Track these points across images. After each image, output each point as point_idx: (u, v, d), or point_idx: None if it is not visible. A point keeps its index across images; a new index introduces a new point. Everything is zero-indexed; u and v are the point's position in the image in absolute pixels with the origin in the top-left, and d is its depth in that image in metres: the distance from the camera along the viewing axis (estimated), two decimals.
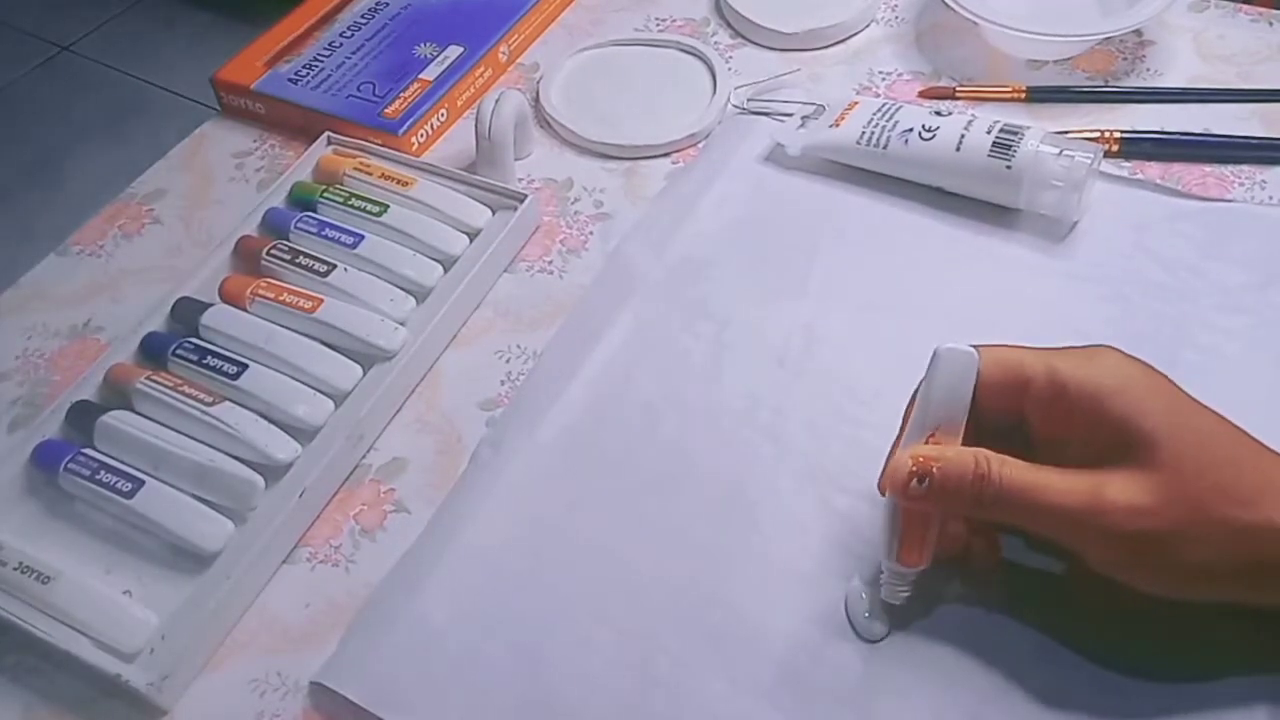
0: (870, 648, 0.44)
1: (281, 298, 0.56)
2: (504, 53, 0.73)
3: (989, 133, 0.58)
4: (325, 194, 0.62)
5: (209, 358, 0.54)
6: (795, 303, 0.57)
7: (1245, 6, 0.70)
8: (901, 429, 0.44)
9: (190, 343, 0.55)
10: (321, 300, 0.56)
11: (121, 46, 2.18)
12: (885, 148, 0.60)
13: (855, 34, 0.72)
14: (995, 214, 0.59)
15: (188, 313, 0.57)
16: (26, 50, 2.19)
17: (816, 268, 0.58)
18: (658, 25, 0.74)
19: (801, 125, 0.64)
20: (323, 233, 0.60)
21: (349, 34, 0.73)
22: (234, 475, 0.50)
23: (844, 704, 0.43)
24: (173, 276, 0.61)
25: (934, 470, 0.40)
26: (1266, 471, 0.39)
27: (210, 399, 0.52)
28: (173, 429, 0.52)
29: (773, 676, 0.44)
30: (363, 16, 0.75)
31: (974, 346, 0.42)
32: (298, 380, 0.54)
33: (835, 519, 0.48)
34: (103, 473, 0.50)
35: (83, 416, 0.53)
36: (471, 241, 0.60)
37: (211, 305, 0.57)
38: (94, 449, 0.52)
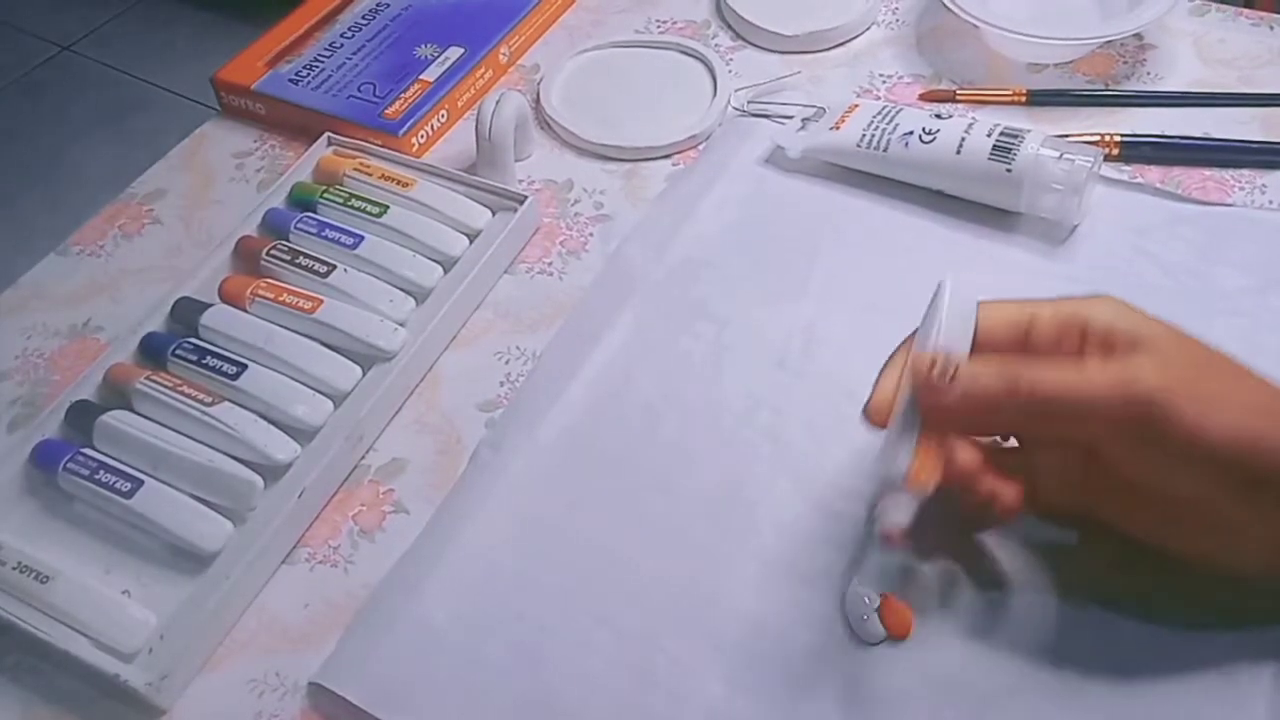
0: (868, 649, 0.44)
1: (281, 298, 0.56)
2: (505, 54, 0.73)
3: (989, 136, 0.58)
4: (325, 194, 0.62)
5: (208, 358, 0.54)
6: (795, 304, 0.57)
7: (1246, 10, 0.70)
8: (888, 361, 0.44)
9: (190, 343, 0.55)
10: (321, 301, 0.56)
11: (121, 46, 2.19)
12: (885, 150, 0.60)
13: (856, 37, 0.72)
14: (995, 217, 0.59)
15: (187, 313, 0.57)
16: (26, 50, 2.19)
17: (816, 270, 0.58)
18: (658, 27, 0.75)
19: (802, 128, 0.65)
20: (323, 233, 0.60)
21: (350, 35, 0.73)
22: (233, 475, 0.50)
23: (842, 705, 0.43)
24: (172, 276, 0.61)
25: (957, 368, 0.40)
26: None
27: (210, 399, 0.52)
28: (172, 429, 0.52)
29: (771, 677, 0.44)
30: (363, 17, 0.75)
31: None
32: (297, 381, 0.54)
33: (834, 520, 0.48)
34: (102, 472, 0.50)
35: (82, 416, 0.53)
36: (471, 243, 0.60)
37: (211, 305, 0.57)
38: (93, 449, 0.52)
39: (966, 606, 0.45)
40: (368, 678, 0.45)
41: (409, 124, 0.67)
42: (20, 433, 0.54)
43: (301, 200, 0.63)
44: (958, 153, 0.58)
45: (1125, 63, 0.68)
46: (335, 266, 0.58)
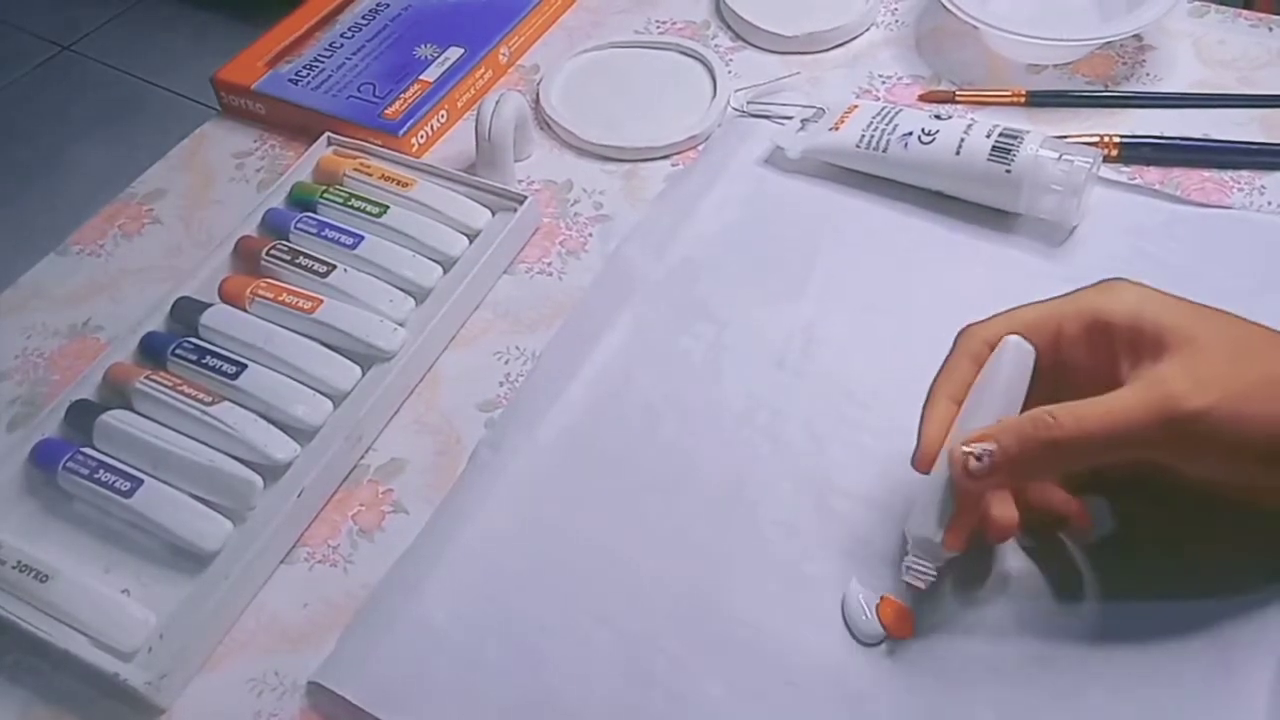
0: (867, 649, 0.44)
1: (281, 298, 0.56)
2: (504, 54, 0.73)
3: (988, 137, 0.58)
4: (325, 194, 0.62)
5: (208, 357, 0.54)
6: (794, 305, 0.57)
7: (1245, 12, 0.70)
8: (930, 399, 0.44)
9: (190, 342, 0.55)
10: (321, 301, 0.56)
11: (121, 46, 2.19)
12: (885, 151, 0.60)
13: (855, 37, 0.72)
14: (994, 218, 0.59)
15: (187, 312, 0.57)
16: (26, 50, 2.19)
17: (816, 270, 0.58)
18: (658, 28, 0.75)
19: (801, 128, 0.65)
20: (322, 233, 0.60)
21: (349, 35, 0.73)
22: (233, 475, 0.50)
23: (842, 705, 0.43)
24: (172, 276, 0.61)
25: (992, 450, 0.40)
26: None
27: (209, 399, 0.52)
28: (172, 428, 0.52)
29: (770, 678, 0.44)
30: (363, 17, 0.75)
31: (999, 315, 0.44)
32: (297, 380, 0.54)
33: (834, 520, 0.48)
34: (101, 472, 0.50)
35: (82, 416, 0.53)
36: (471, 243, 0.60)
37: (211, 305, 0.57)
38: (93, 448, 0.52)
39: (967, 606, 0.45)
40: (367, 677, 0.45)
41: (409, 124, 0.67)
42: (20, 432, 0.54)
43: (301, 200, 0.63)
44: (957, 154, 0.58)
45: (1124, 64, 0.68)
46: (335, 266, 0.58)
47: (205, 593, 0.47)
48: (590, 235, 0.62)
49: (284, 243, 0.60)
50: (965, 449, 0.41)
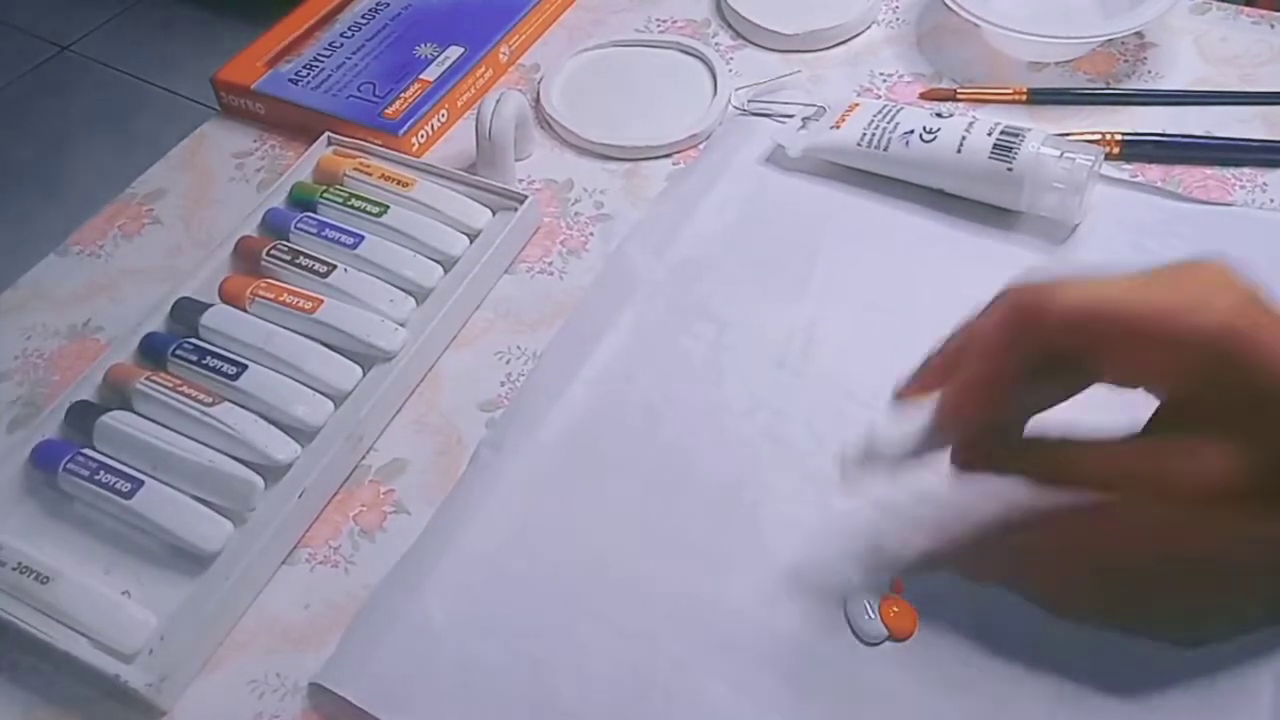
0: (869, 649, 0.44)
1: (281, 298, 0.56)
2: (505, 53, 0.73)
3: (990, 135, 0.58)
4: (325, 194, 0.62)
5: (208, 358, 0.54)
6: (796, 304, 0.57)
7: (1247, 9, 0.70)
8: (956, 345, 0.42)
9: (190, 343, 0.55)
10: (321, 301, 0.56)
11: (121, 46, 2.19)
12: (886, 149, 0.60)
13: (856, 35, 0.72)
14: (996, 216, 0.59)
15: (187, 313, 0.57)
16: (26, 50, 2.19)
17: (817, 269, 0.58)
18: (658, 26, 0.74)
19: (802, 127, 0.64)
20: (323, 233, 0.60)
21: (349, 34, 0.73)
22: (233, 476, 0.50)
23: (843, 706, 0.43)
24: (172, 277, 0.61)
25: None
26: None
27: (210, 399, 0.52)
28: (172, 429, 0.52)
29: (772, 678, 0.44)
30: (363, 17, 0.75)
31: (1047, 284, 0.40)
32: (297, 381, 0.54)
33: (835, 520, 0.48)
34: (102, 473, 0.50)
35: (82, 417, 0.53)
36: (472, 242, 0.60)
37: (211, 305, 0.57)
38: (93, 449, 0.51)
39: (969, 607, 0.45)
40: (368, 678, 0.45)
41: (409, 124, 0.67)
42: (20, 433, 0.54)
43: (301, 200, 0.63)
44: (958, 151, 0.58)
45: (1126, 61, 0.68)
46: (335, 266, 0.58)
47: (206, 594, 0.47)
48: (591, 234, 0.62)
49: (284, 243, 0.60)
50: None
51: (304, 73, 0.71)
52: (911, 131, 0.59)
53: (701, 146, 0.66)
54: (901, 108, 0.61)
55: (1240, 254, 0.56)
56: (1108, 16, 0.67)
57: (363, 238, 0.59)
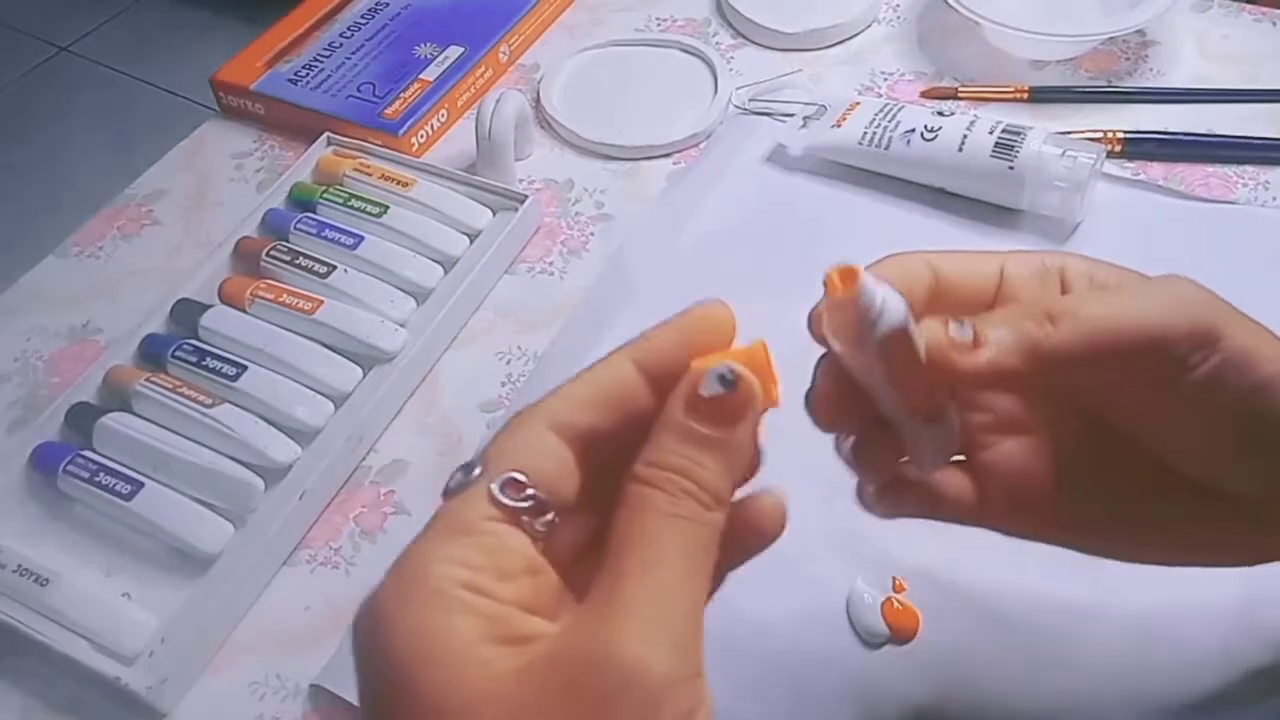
0: (871, 650, 0.44)
1: (281, 299, 0.56)
2: (504, 53, 0.73)
3: (991, 133, 0.58)
4: (325, 195, 0.62)
5: (208, 359, 0.54)
6: (797, 302, 0.56)
7: (1249, 6, 0.70)
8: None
9: (190, 344, 0.55)
10: (321, 301, 0.56)
11: (121, 46, 2.18)
12: (887, 148, 0.60)
13: (857, 34, 0.72)
14: (998, 215, 0.59)
15: (187, 314, 0.57)
16: (26, 50, 2.19)
17: (818, 268, 0.57)
18: (659, 25, 0.74)
19: (803, 125, 0.64)
20: (322, 234, 0.59)
21: (349, 34, 0.73)
22: (233, 477, 0.50)
23: (844, 706, 0.43)
24: (172, 278, 0.61)
25: (977, 320, 0.32)
26: None
27: (210, 401, 0.52)
28: (172, 431, 0.52)
29: (774, 677, 0.44)
30: (363, 17, 0.74)
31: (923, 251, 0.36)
32: (297, 382, 0.53)
33: (836, 520, 0.48)
34: (102, 475, 0.50)
35: (82, 418, 0.53)
36: (472, 242, 0.60)
37: (211, 307, 0.57)
38: (93, 451, 0.51)
39: (972, 607, 0.45)
40: None
41: (409, 124, 0.66)
42: (20, 435, 0.54)
43: (301, 200, 0.63)
44: (960, 150, 0.58)
45: (1128, 59, 0.68)
46: (335, 267, 0.58)
47: (206, 596, 0.47)
48: (592, 234, 0.62)
49: (284, 243, 0.60)
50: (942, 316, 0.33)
51: (303, 73, 0.70)
52: (913, 130, 0.59)
53: (702, 146, 0.66)
54: (903, 106, 0.61)
55: (1242, 252, 0.56)
56: (1109, 14, 0.67)
57: (363, 238, 0.59)
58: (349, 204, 0.61)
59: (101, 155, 1.84)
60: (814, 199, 0.61)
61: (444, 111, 0.69)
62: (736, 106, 0.67)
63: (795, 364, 0.54)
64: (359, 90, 0.69)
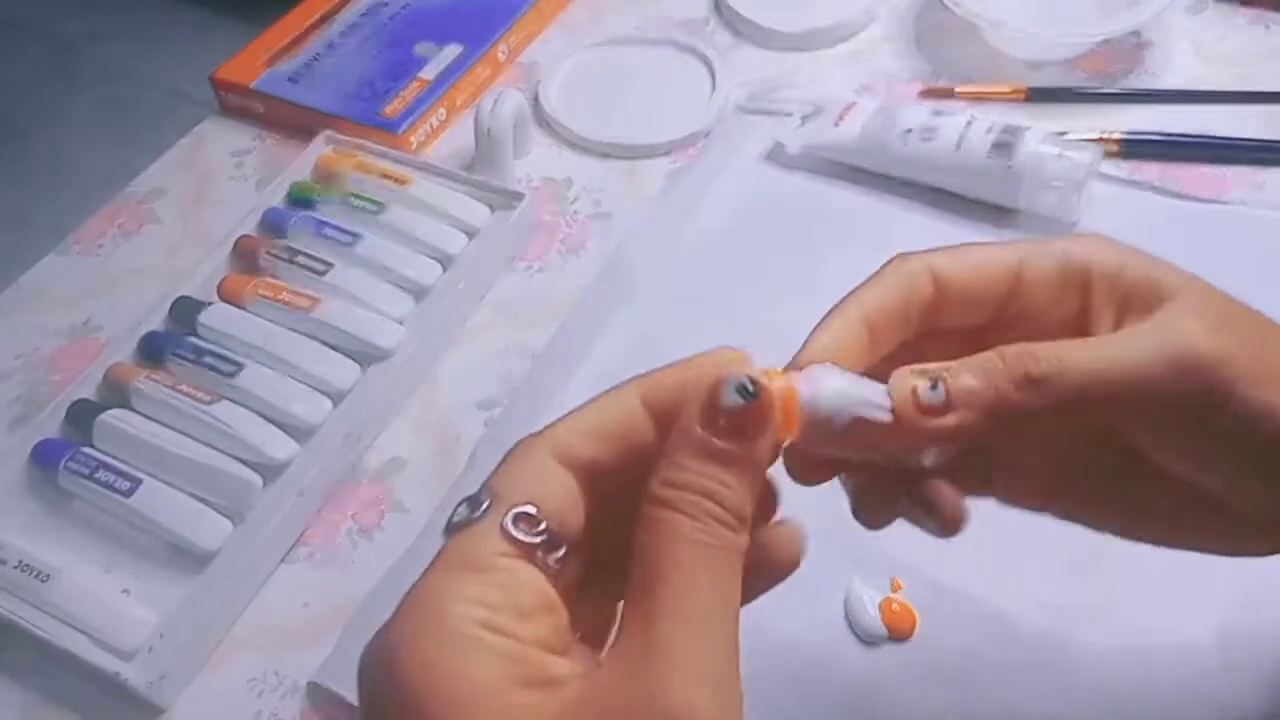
0: (870, 649, 0.44)
1: (280, 297, 0.56)
2: (503, 52, 0.73)
3: (988, 133, 0.58)
4: (324, 193, 0.62)
5: (207, 357, 0.54)
6: (795, 301, 0.56)
7: (1244, 8, 0.70)
8: (838, 311, 0.34)
9: (189, 342, 0.55)
10: (320, 299, 0.56)
11: (121, 46, 2.18)
12: (885, 147, 0.60)
13: (855, 34, 0.72)
14: (995, 214, 0.59)
15: (186, 312, 0.57)
16: (26, 50, 2.18)
17: (817, 267, 0.58)
18: (657, 24, 0.74)
19: (801, 125, 0.64)
20: (321, 232, 0.60)
21: (348, 33, 0.73)
22: (232, 474, 0.50)
23: (844, 705, 0.43)
24: (171, 276, 0.61)
25: (949, 377, 0.30)
26: None
27: (208, 398, 0.52)
28: (171, 428, 0.52)
29: (773, 678, 0.44)
30: (362, 15, 0.75)
31: (945, 248, 0.34)
32: (296, 379, 0.54)
33: (836, 519, 0.48)
34: (102, 471, 0.50)
35: (82, 415, 0.53)
36: (470, 240, 0.60)
37: (210, 304, 0.57)
38: (93, 448, 0.51)
39: (970, 606, 0.45)
40: None
41: (408, 122, 0.67)
42: (20, 432, 0.54)
43: (300, 199, 0.63)
44: (957, 150, 0.58)
45: (1124, 60, 0.68)
46: (334, 265, 0.58)
47: (205, 592, 0.47)
48: (590, 233, 0.62)
49: (283, 241, 0.60)
50: (916, 368, 0.30)
51: (303, 71, 0.71)
52: (910, 130, 0.59)
53: (700, 145, 0.66)
54: (900, 106, 0.61)
55: (1237, 252, 0.56)
56: (1106, 15, 0.67)
57: (361, 236, 0.59)
58: (348, 202, 0.61)
59: (101, 153, 1.84)
60: (812, 198, 0.62)
61: (443, 110, 0.69)
62: (735, 105, 0.67)
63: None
64: (358, 89, 0.69)
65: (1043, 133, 0.57)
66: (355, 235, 0.59)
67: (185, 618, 0.47)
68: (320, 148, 0.65)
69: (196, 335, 0.56)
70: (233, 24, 1.99)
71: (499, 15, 0.73)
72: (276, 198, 0.63)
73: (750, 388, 0.27)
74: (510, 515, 0.27)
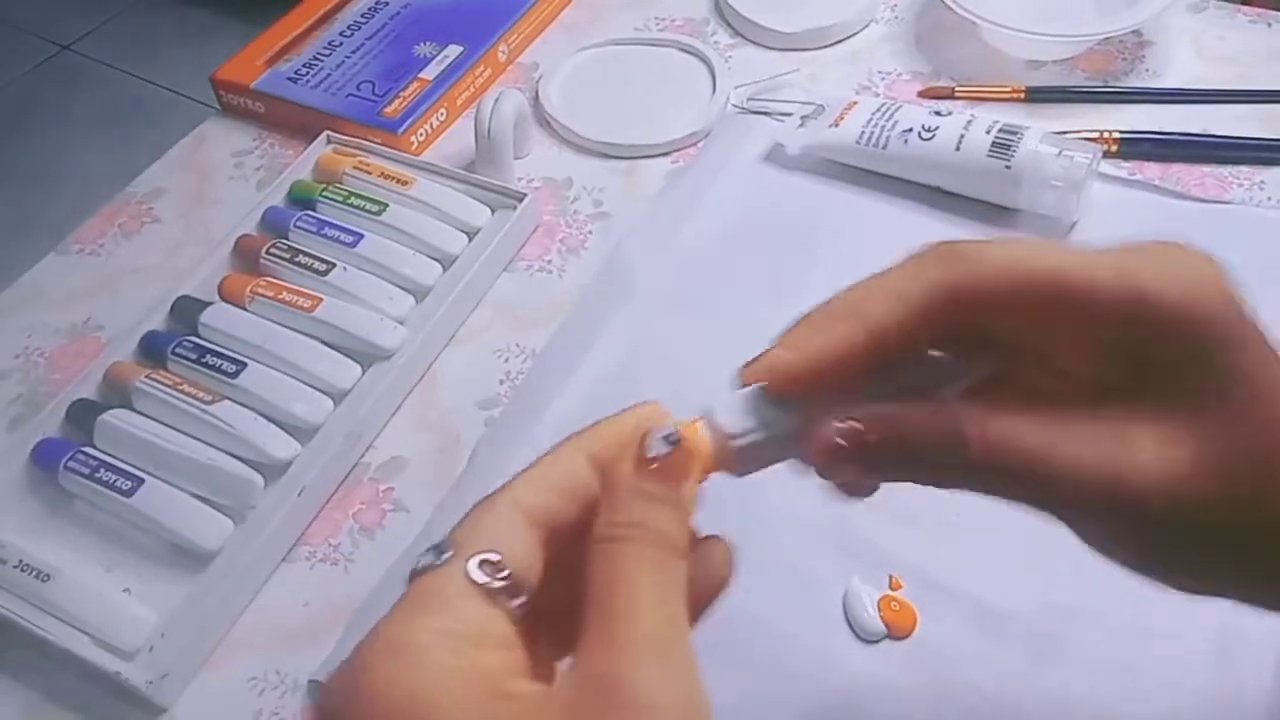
0: (868, 647, 0.44)
1: (281, 296, 0.56)
2: (503, 52, 0.73)
3: (988, 133, 0.58)
4: (324, 193, 0.62)
5: (208, 356, 0.54)
6: (795, 301, 0.56)
7: (1244, 7, 0.70)
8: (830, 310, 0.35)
9: (189, 341, 0.55)
10: (321, 299, 0.56)
11: (121, 46, 2.19)
12: (885, 147, 0.60)
13: (855, 34, 0.72)
14: (994, 214, 0.59)
15: (187, 311, 0.57)
16: (26, 50, 2.19)
17: (816, 267, 0.58)
18: (657, 25, 0.75)
19: (801, 125, 0.65)
20: (322, 232, 0.60)
21: (349, 33, 0.73)
22: (233, 474, 0.50)
23: (843, 703, 0.43)
24: (172, 275, 0.61)
25: (883, 428, 0.30)
26: None
27: (209, 397, 0.52)
28: (172, 427, 0.52)
29: (771, 675, 0.44)
30: (362, 15, 0.75)
31: (996, 244, 0.32)
32: (297, 379, 0.54)
33: (835, 518, 0.48)
34: (102, 471, 0.50)
35: (82, 415, 0.53)
36: (471, 240, 0.60)
37: (211, 304, 0.57)
38: (94, 447, 0.52)
39: (969, 604, 0.45)
40: None
41: (408, 122, 0.67)
42: (21, 432, 0.54)
43: (301, 199, 0.63)
44: (957, 149, 0.58)
45: (1124, 59, 0.68)
46: (335, 265, 0.58)
47: (206, 591, 0.47)
48: (590, 233, 0.62)
49: (284, 241, 0.60)
50: (838, 424, 0.31)
51: (303, 71, 0.71)
52: (910, 129, 0.59)
53: (700, 145, 0.66)
54: (900, 106, 0.61)
55: (1237, 252, 0.56)
56: (1105, 15, 0.67)
57: (362, 236, 0.59)
58: (348, 202, 0.61)
59: (102, 153, 1.84)
60: (811, 198, 0.62)
61: (443, 110, 0.69)
62: (734, 105, 0.68)
63: None
64: (358, 89, 0.69)
65: (1042, 132, 0.57)
66: (356, 235, 0.59)
67: (186, 617, 0.47)
68: (321, 148, 0.66)
69: (197, 335, 0.56)
70: (233, 24, 2.00)
71: (499, 15, 0.73)
72: (277, 197, 0.63)
73: (674, 437, 0.30)
74: (474, 560, 0.28)
